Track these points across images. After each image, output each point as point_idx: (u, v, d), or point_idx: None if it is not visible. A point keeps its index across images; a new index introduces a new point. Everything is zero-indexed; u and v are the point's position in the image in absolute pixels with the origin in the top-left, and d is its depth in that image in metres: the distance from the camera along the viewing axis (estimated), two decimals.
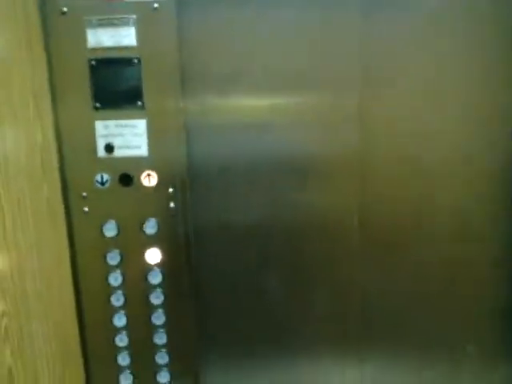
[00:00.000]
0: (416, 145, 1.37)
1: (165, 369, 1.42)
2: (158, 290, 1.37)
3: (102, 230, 1.32)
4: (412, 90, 1.34)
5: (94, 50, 1.24)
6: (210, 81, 1.33)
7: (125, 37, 1.24)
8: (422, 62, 1.33)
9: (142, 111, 1.27)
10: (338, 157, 1.37)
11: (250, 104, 1.35)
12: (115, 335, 1.39)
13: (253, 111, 1.35)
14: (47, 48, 1.24)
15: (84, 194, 1.31)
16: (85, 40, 1.24)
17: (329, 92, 1.34)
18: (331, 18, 1.29)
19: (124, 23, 1.23)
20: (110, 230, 1.32)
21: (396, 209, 1.42)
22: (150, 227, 1.33)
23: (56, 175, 1.30)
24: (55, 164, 1.29)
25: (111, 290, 1.36)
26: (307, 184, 1.39)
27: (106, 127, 1.28)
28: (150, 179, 1.31)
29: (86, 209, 1.32)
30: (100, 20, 1.23)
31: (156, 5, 1.22)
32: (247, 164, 1.37)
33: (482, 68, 1.33)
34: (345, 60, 1.32)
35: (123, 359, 1.41)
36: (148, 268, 1.35)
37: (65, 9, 1.22)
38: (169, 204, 1.32)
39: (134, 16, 1.23)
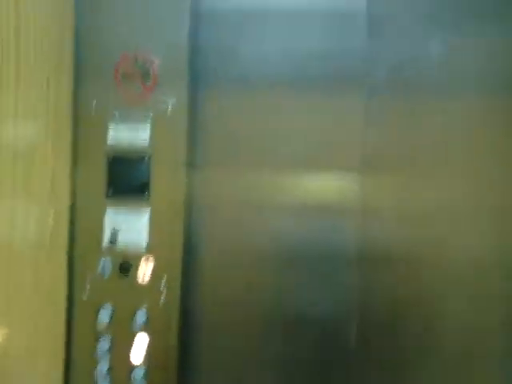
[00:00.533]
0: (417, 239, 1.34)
1: None
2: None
3: (96, 317, 1.33)
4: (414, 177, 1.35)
5: (113, 146, 1.35)
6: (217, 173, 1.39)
7: (140, 135, 1.34)
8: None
9: (147, 203, 1.33)
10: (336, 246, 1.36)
11: (254, 188, 1.39)
12: None
13: (257, 196, 1.38)
14: (73, 139, 1.37)
15: (86, 280, 1.35)
16: (106, 136, 1.36)
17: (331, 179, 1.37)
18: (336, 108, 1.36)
19: (141, 121, 1.34)
20: (105, 316, 1.33)
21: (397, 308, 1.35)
22: (142, 316, 1.32)
23: (63, 259, 1.35)
24: (63, 249, 1.35)
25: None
26: (304, 275, 1.37)
27: (114, 217, 1.35)
28: (147, 269, 1.32)
29: (86, 295, 1.35)
30: (121, 117, 1.35)
31: (170, 107, 1.33)
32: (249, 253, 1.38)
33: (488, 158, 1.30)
34: (347, 148, 1.36)
35: None
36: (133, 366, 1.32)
37: (94, 104, 1.36)
38: (161, 294, 1.32)
39: (151, 114, 1.34)
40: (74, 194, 1.36)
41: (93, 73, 1.36)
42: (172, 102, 1.33)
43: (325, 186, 1.39)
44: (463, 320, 1.35)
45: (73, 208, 1.36)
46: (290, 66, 1.39)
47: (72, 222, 1.36)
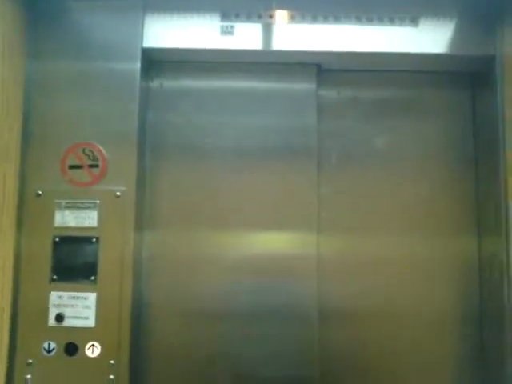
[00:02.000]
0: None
1: None
2: None
3: None
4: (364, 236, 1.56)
5: (60, 228, 1.40)
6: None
7: (87, 219, 1.40)
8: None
9: (93, 285, 1.39)
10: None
11: (211, 251, 1.52)
12: None
13: (214, 257, 1.51)
14: (18, 225, 1.40)
15: (30, 360, 1.37)
16: (53, 219, 1.41)
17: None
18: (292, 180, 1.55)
19: (88, 207, 1.41)
20: None
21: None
22: None
23: (4, 343, 1.36)
24: (6, 331, 1.37)
25: None
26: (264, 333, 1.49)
27: (60, 298, 1.39)
28: (93, 350, 1.37)
29: (29, 376, 1.37)
30: (68, 203, 1.41)
31: (118, 193, 1.41)
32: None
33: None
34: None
35: None
36: None
37: (39, 192, 1.41)
38: (109, 375, 1.37)
39: (98, 201, 1.41)
40: (17, 278, 1.39)
41: (39, 162, 1.42)
42: (120, 189, 1.41)
43: (282, 245, 1.53)
44: (418, 368, 1.54)
45: (16, 290, 1.39)
46: (247, 138, 1.56)
47: (15, 304, 1.39)
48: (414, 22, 1.50)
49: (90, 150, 1.42)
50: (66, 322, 1.38)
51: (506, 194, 1.44)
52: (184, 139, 1.55)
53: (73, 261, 1.39)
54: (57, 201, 1.41)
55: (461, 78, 1.63)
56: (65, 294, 1.39)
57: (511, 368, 1.40)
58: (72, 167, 1.41)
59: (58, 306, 1.38)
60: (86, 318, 1.38)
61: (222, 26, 1.48)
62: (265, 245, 1.53)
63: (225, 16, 1.48)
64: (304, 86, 1.58)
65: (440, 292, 1.57)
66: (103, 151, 1.42)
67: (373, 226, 1.58)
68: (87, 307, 1.38)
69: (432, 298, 1.56)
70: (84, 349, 1.37)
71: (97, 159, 1.41)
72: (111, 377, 1.37)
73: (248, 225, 1.53)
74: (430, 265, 1.57)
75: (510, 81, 1.46)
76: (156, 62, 1.54)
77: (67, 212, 1.40)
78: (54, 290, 1.39)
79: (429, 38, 1.50)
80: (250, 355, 1.49)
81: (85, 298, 1.38)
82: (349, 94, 1.62)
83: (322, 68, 1.58)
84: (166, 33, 1.48)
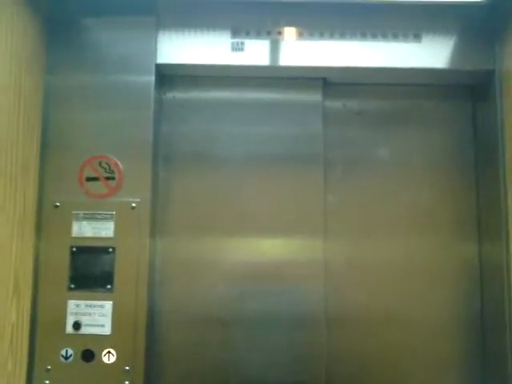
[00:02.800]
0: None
1: None
2: None
3: None
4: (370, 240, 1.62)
5: (77, 238, 1.45)
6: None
7: (104, 229, 1.45)
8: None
9: (110, 294, 1.43)
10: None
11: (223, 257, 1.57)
12: None
13: (226, 263, 1.57)
14: (37, 235, 1.45)
15: (48, 367, 1.41)
16: (70, 230, 1.45)
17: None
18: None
19: (105, 218, 1.46)
20: None
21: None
22: None
23: (24, 350, 1.41)
24: (25, 338, 1.41)
25: None
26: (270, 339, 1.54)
27: (77, 306, 1.43)
28: (109, 356, 1.41)
29: (48, 381, 1.41)
30: (85, 214, 1.46)
31: (134, 204, 1.46)
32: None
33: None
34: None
35: None
36: None
37: (57, 203, 1.46)
38: (124, 381, 1.41)
39: (114, 212, 1.46)
40: (36, 286, 1.44)
41: (57, 174, 1.47)
42: (136, 201, 1.46)
43: (290, 252, 1.58)
44: (423, 371, 1.59)
45: (35, 298, 1.43)
46: (256, 148, 1.62)
47: (34, 312, 1.43)
48: (417, 37, 1.56)
49: (106, 163, 1.47)
50: (83, 330, 1.43)
51: (506, 200, 1.50)
52: (195, 149, 1.61)
53: (90, 270, 1.44)
54: (74, 212, 1.46)
55: (461, 91, 1.69)
56: (82, 303, 1.43)
57: (511, 370, 1.45)
58: (89, 179, 1.46)
59: (76, 314, 1.43)
60: (103, 326, 1.43)
61: (232, 43, 1.53)
62: (274, 251, 1.58)
63: (235, 33, 1.54)
64: (311, 98, 1.63)
65: (444, 296, 1.62)
66: (119, 164, 1.47)
67: (377, 231, 1.63)
68: (103, 315, 1.43)
69: (437, 302, 1.61)
70: (100, 355, 1.42)
71: (113, 172, 1.46)
72: (126, 383, 1.41)
73: (257, 231, 1.59)
74: (434, 269, 1.63)
75: (508, 93, 1.52)
76: (168, 76, 1.60)
77: (84, 223, 1.45)
78: (71, 299, 1.44)
79: (431, 54, 1.56)
80: (260, 361, 1.54)
81: (101, 307, 1.43)
82: (353, 106, 1.68)
83: (328, 81, 1.64)
84: (179, 49, 1.53)
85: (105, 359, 1.42)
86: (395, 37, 1.56)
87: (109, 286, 1.43)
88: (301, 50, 1.54)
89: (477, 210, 1.65)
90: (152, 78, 1.50)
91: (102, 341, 1.42)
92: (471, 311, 1.61)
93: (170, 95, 1.63)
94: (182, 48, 1.53)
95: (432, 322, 1.61)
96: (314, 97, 1.64)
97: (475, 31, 1.57)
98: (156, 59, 1.52)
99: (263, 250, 1.58)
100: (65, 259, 1.44)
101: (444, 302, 1.62)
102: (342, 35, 1.55)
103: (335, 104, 1.68)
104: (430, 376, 1.59)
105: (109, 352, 1.42)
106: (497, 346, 1.52)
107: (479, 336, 1.60)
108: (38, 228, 1.45)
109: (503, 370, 1.48)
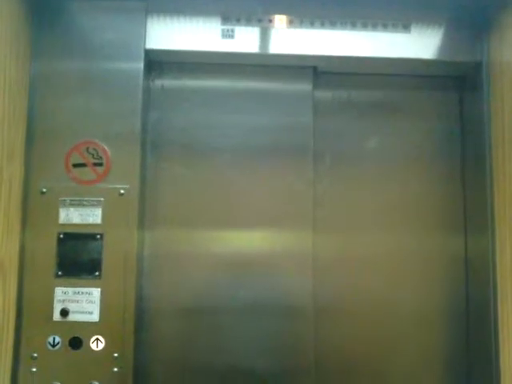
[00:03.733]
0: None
1: None
2: None
3: None
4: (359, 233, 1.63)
5: (64, 225, 1.44)
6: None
7: (92, 216, 1.44)
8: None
9: (98, 281, 1.42)
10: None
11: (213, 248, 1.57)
12: None
13: (216, 254, 1.56)
14: (23, 222, 1.43)
15: (35, 354, 1.40)
16: (57, 216, 1.44)
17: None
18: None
19: (92, 204, 1.44)
20: None
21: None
22: None
23: (10, 338, 1.39)
24: (11, 325, 1.40)
25: None
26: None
27: (64, 293, 1.42)
28: (97, 343, 1.41)
29: (34, 369, 1.40)
30: (72, 200, 1.44)
31: (122, 191, 1.45)
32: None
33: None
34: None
35: None
36: None
37: (44, 189, 1.44)
38: (113, 368, 1.41)
39: (102, 199, 1.45)
40: (22, 273, 1.42)
41: (43, 160, 1.45)
42: (124, 187, 1.45)
43: (278, 243, 1.59)
44: (409, 366, 1.62)
45: (21, 286, 1.42)
46: (245, 138, 1.61)
47: (20, 299, 1.41)
48: (406, 28, 1.57)
49: (94, 149, 1.45)
50: (71, 317, 1.41)
51: (492, 193, 1.52)
52: (183, 139, 1.60)
53: (77, 257, 1.43)
54: (61, 198, 1.44)
55: (449, 82, 1.70)
56: (69, 290, 1.42)
57: (496, 364, 1.48)
58: (76, 165, 1.44)
59: (63, 301, 1.42)
60: (91, 313, 1.42)
61: (222, 30, 1.52)
62: (261, 242, 1.58)
63: (226, 20, 1.53)
64: (300, 87, 1.63)
65: (430, 288, 1.64)
66: (107, 150, 1.45)
67: (365, 223, 1.65)
68: (91, 302, 1.42)
69: (424, 294, 1.64)
70: (88, 342, 1.41)
71: (101, 157, 1.45)
72: (115, 369, 1.41)
73: (246, 222, 1.58)
74: (421, 262, 1.65)
75: (495, 85, 1.54)
76: (157, 63, 1.58)
77: (72, 209, 1.44)
78: (58, 286, 1.42)
79: (419, 44, 1.57)
80: (248, 349, 1.55)
81: (89, 293, 1.42)
82: (343, 96, 1.69)
83: (318, 71, 1.64)
84: (168, 35, 1.52)
85: (93, 346, 1.41)
86: (385, 27, 1.57)
87: (97, 273, 1.42)
88: (291, 38, 1.54)
89: (463, 202, 1.67)
90: (141, 64, 1.49)
91: (90, 328, 1.41)
92: (457, 303, 1.64)
93: (158, 83, 1.61)
94: (171, 34, 1.52)
95: (418, 313, 1.63)
96: (305, 86, 1.64)
97: (464, 23, 1.59)
98: (145, 45, 1.50)
99: (252, 241, 1.58)
100: (52, 246, 1.43)
101: (430, 293, 1.64)
102: (333, 24, 1.55)
103: (325, 94, 1.68)
104: (416, 365, 1.62)
105: (97, 339, 1.41)
106: (481, 337, 1.55)
107: (464, 327, 1.63)
108: (24, 215, 1.43)
109: (488, 361, 1.51)
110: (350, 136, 1.68)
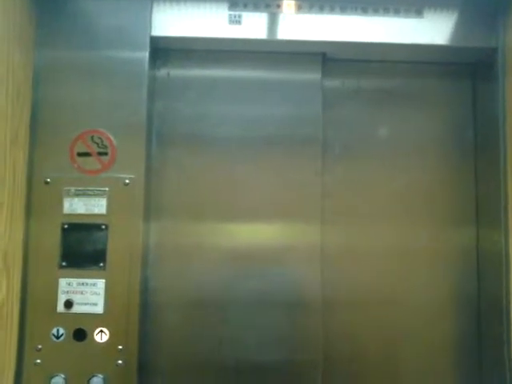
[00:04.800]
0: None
1: None
2: None
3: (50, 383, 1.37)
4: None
5: (69, 215, 1.41)
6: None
7: (96, 206, 1.41)
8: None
9: (102, 272, 1.40)
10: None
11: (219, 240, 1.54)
12: None
13: (223, 246, 1.53)
14: (27, 212, 1.40)
15: (39, 346, 1.38)
16: (61, 206, 1.41)
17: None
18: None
19: (97, 194, 1.42)
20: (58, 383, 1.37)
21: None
22: (97, 383, 1.37)
23: (14, 330, 1.38)
24: (16, 317, 1.38)
25: None
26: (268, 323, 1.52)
27: (69, 284, 1.40)
28: (102, 335, 1.39)
29: (39, 361, 1.38)
30: (77, 190, 1.42)
31: (127, 180, 1.42)
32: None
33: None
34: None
35: None
36: None
37: (48, 179, 1.42)
38: (117, 361, 1.38)
39: (107, 189, 1.42)
40: (26, 264, 1.40)
41: (48, 150, 1.42)
42: (129, 177, 1.42)
43: (286, 235, 1.55)
44: (419, 358, 1.58)
45: (25, 277, 1.40)
46: (253, 127, 1.58)
47: (24, 290, 1.40)
48: (419, 13, 1.52)
49: (98, 138, 1.42)
50: (75, 308, 1.39)
51: (506, 185, 1.47)
52: (190, 128, 1.57)
53: (82, 248, 1.41)
54: (65, 188, 1.41)
55: (463, 69, 1.65)
56: (74, 281, 1.40)
57: (508, 357, 1.44)
58: (81, 155, 1.42)
59: (67, 292, 1.40)
60: (95, 304, 1.39)
61: (229, 15, 1.49)
62: (269, 233, 1.55)
63: (233, 5, 1.49)
64: (309, 75, 1.59)
65: (441, 281, 1.60)
66: (112, 139, 1.43)
67: (375, 215, 1.60)
68: (96, 293, 1.40)
69: (434, 287, 1.59)
70: (92, 334, 1.39)
71: (106, 147, 1.42)
72: (119, 362, 1.38)
73: (253, 213, 1.55)
74: (432, 254, 1.60)
75: (510, 71, 1.49)
76: (163, 50, 1.55)
77: (76, 199, 1.41)
78: (62, 277, 1.40)
79: (432, 30, 1.52)
80: (255, 341, 1.51)
81: (93, 285, 1.40)
82: (353, 84, 1.64)
83: (328, 57, 1.59)
84: (174, 21, 1.48)
85: (97, 338, 1.39)
86: (397, 12, 1.52)
87: (101, 264, 1.40)
88: (300, 24, 1.50)
89: (475, 195, 1.62)
90: (146, 52, 1.45)
91: (95, 319, 1.39)
92: (468, 297, 1.60)
93: (164, 70, 1.58)
94: (177, 20, 1.48)
95: (429, 306, 1.59)
96: (314, 74, 1.59)
97: (478, 7, 1.53)
98: (151, 32, 1.47)
99: (259, 232, 1.54)
100: (56, 236, 1.40)
101: (441, 286, 1.60)
102: (343, 9, 1.51)
103: (334, 82, 1.64)
104: (426, 359, 1.58)
105: (101, 331, 1.39)
106: (493, 332, 1.51)
107: (476, 320, 1.59)
108: (28, 205, 1.41)
109: (499, 355, 1.47)
110: (359, 125, 1.63)
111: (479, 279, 1.60)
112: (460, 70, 1.66)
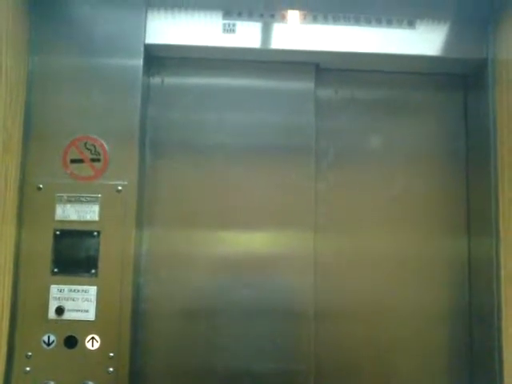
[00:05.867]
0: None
1: None
2: None
3: None
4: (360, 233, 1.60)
5: (61, 221, 1.41)
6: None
7: (89, 212, 1.41)
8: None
9: (94, 279, 1.40)
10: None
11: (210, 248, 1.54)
12: None
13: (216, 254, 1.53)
14: (19, 218, 1.40)
15: (29, 353, 1.38)
16: (54, 213, 1.41)
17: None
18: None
19: (90, 201, 1.42)
20: None
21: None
22: None
23: (4, 336, 1.37)
24: (6, 323, 1.37)
25: None
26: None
27: (60, 291, 1.39)
28: (93, 343, 1.38)
29: (28, 368, 1.37)
30: (69, 197, 1.42)
31: (120, 187, 1.43)
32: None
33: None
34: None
35: None
36: None
37: (41, 185, 1.42)
38: (108, 368, 1.38)
39: (99, 195, 1.42)
40: (18, 270, 1.39)
41: (40, 155, 1.42)
42: (122, 184, 1.42)
43: (279, 243, 1.56)
44: (411, 366, 1.58)
45: (16, 283, 1.39)
46: (246, 135, 1.58)
47: (15, 296, 1.39)
48: (411, 24, 1.54)
49: (92, 145, 1.43)
50: (66, 315, 1.39)
51: (497, 194, 1.49)
52: (183, 136, 1.57)
53: (74, 254, 1.40)
54: (58, 194, 1.41)
55: (454, 79, 1.67)
56: (65, 287, 1.40)
57: (498, 365, 1.45)
58: (73, 161, 1.42)
59: (59, 298, 1.39)
60: (87, 311, 1.39)
61: (224, 24, 1.50)
62: (263, 242, 1.55)
63: (227, 14, 1.50)
64: (303, 84, 1.61)
65: (433, 289, 1.61)
66: (105, 145, 1.43)
67: (368, 224, 1.62)
68: (87, 300, 1.39)
69: (426, 295, 1.60)
70: (84, 342, 1.38)
71: (99, 153, 1.42)
72: (111, 369, 1.38)
73: (246, 222, 1.55)
74: (424, 262, 1.61)
75: (500, 83, 1.51)
76: (157, 58, 1.55)
77: (68, 206, 1.41)
78: (54, 283, 1.39)
79: (424, 41, 1.54)
80: (246, 350, 1.51)
81: (85, 291, 1.39)
82: (346, 94, 1.66)
83: (321, 67, 1.61)
84: (169, 29, 1.49)
85: (88, 345, 1.38)
86: (389, 23, 1.54)
87: (93, 271, 1.40)
88: (293, 34, 1.51)
89: (467, 203, 1.64)
90: (140, 59, 1.46)
91: (86, 326, 1.38)
92: (460, 304, 1.61)
93: (158, 79, 1.59)
94: (171, 28, 1.49)
95: (420, 314, 1.60)
96: (307, 83, 1.61)
97: (469, 19, 1.56)
98: (145, 39, 1.48)
99: (252, 240, 1.55)
100: (48, 243, 1.40)
101: (433, 294, 1.61)
102: (336, 20, 1.52)
103: (328, 91, 1.65)
104: (418, 367, 1.59)
105: (93, 338, 1.38)
106: (485, 339, 1.52)
107: (467, 329, 1.60)
108: (20, 211, 1.41)
109: (491, 364, 1.47)
110: (352, 134, 1.65)
111: (471, 287, 1.61)
112: (452, 80, 1.68)
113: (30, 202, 1.41)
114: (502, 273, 1.45)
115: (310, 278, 1.53)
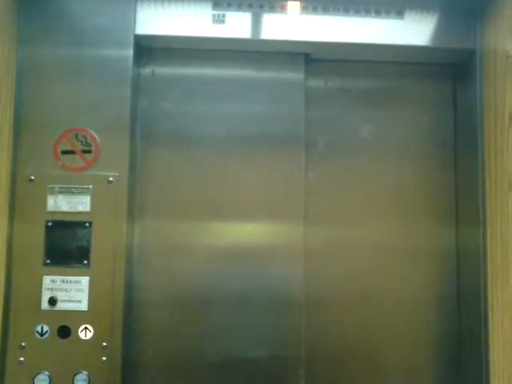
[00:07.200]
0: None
1: None
2: None
3: (33, 381, 1.37)
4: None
5: (53, 213, 1.42)
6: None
7: (80, 204, 1.42)
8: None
9: (86, 269, 1.41)
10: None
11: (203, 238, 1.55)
12: None
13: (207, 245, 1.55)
14: (11, 209, 1.40)
15: (23, 343, 1.39)
16: (45, 204, 1.42)
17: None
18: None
19: (81, 192, 1.42)
20: (42, 381, 1.37)
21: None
22: (81, 380, 1.38)
23: None
24: None
25: None
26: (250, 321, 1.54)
27: (53, 281, 1.40)
28: (86, 332, 1.39)
29: (22, 358, 1.38)
30: (61, 188, 1.42)
31: (111, 178, 1.43)
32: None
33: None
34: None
35: None
36: None
37: (32, 177, 1.42)
38: (101, 357, 1.39)
39: (91, 186, 1.43)
40: (10, 261, 1.40)
41: (31, 147, 1.42)
42: (113, 175, 1.43)
43: (269, 234, 1.57)
44: (400, 355, 1.61)
45: (9, 274, 1.40)
46: (237, 126, 1.59)
47: (8, 287, 1.40)
48: (400, 14, 1.55)
49: (82, 136, 1.43)
50: (59, 306, 1.40)
51: (484, 184, 1.51)
52: (174, 126, 1.58)
53: (66, 245, 1.41)
54: (49, 186, 1.42)
55: (443, 69, 1.69)
56: (58, 278, 1.41)
57: (486, 355, 1.47)
58: (65, 152, 1.42)
59: (51, 289, 1.40)
60: (79, 302, 1.40)
61: (213, 15, 1.50)
62: (253, 232, 1.57)
63: (216, 5, 1.50)
64: (292, 75, 1.61)
65: (422, 278, 1.63)
66: (96, 137, 1.43)
67: (358, 214, 1.63)
68: (80, 291, 1.40)
69: (415, 284, 1.63)
70: (77, 331, 1.39)
71: (90, 145, 1.43)
72: (104, 359, 1.39)
73: (237, 212, 1.57)
74: (413, 252, 1.64)
75: (488, 72, 1.52)
76: (147, 49, 1.55)
77: (60, 197, 1.42)
78: (46, 274, 1.40)
79: (413, 31, 1.56)
80: (238, 339, 1.53)
81: (78, 282, 1.40)
82: (336, 84, 1.67)
83: (311, 57, 1.62)
84: (158, 20, 1.49)
85: (81, 335, 1.39)
86: (378, 13, 1.55)
87: (85, 262, 1.41)
88: (283, 24, 1.52)
89: (455, 192, 1.66)
90: (130, 50, 1.46)
91: (79, 317, 1.40)
92: (448, 293, 1.63)
93: (148, 70, 1.59)
94: (161, 19, 1.49)
95: (409, 303, 1.62)
96: (297, 74, 1.61)
97: (457, 9, 1.57)
98: (135, 30, 1.48)
99: (243, 230, 1.56)
100: (40, 234, 1.41)
101: (421, 283, 1.63)
102: (326, 10, 1.53)
103: (317, 82, 1.66)
104: (407, 356, 1.61)
105: (86, 328, 1.39)
106: (472, 327, 1.55)
107: (455, 319, 1.63)
108: (12, 202, 1.41)
109: (478, 351, 1.50)
110: (342, 124, 1.66)
111: (458, 277, 1.64)
112: (441, 71, 1.69)
113: (21, 194, 1.41)
114: (489, 260, 1.48)
115: (300, 268, 1.55)
